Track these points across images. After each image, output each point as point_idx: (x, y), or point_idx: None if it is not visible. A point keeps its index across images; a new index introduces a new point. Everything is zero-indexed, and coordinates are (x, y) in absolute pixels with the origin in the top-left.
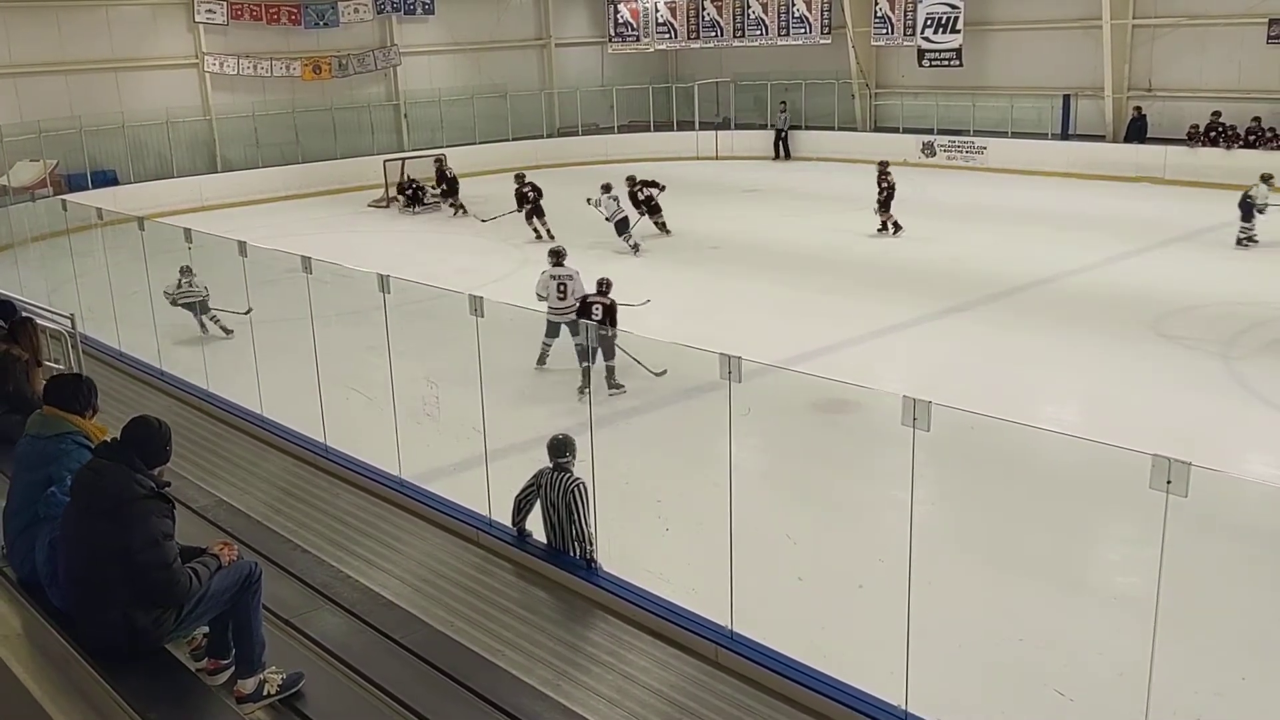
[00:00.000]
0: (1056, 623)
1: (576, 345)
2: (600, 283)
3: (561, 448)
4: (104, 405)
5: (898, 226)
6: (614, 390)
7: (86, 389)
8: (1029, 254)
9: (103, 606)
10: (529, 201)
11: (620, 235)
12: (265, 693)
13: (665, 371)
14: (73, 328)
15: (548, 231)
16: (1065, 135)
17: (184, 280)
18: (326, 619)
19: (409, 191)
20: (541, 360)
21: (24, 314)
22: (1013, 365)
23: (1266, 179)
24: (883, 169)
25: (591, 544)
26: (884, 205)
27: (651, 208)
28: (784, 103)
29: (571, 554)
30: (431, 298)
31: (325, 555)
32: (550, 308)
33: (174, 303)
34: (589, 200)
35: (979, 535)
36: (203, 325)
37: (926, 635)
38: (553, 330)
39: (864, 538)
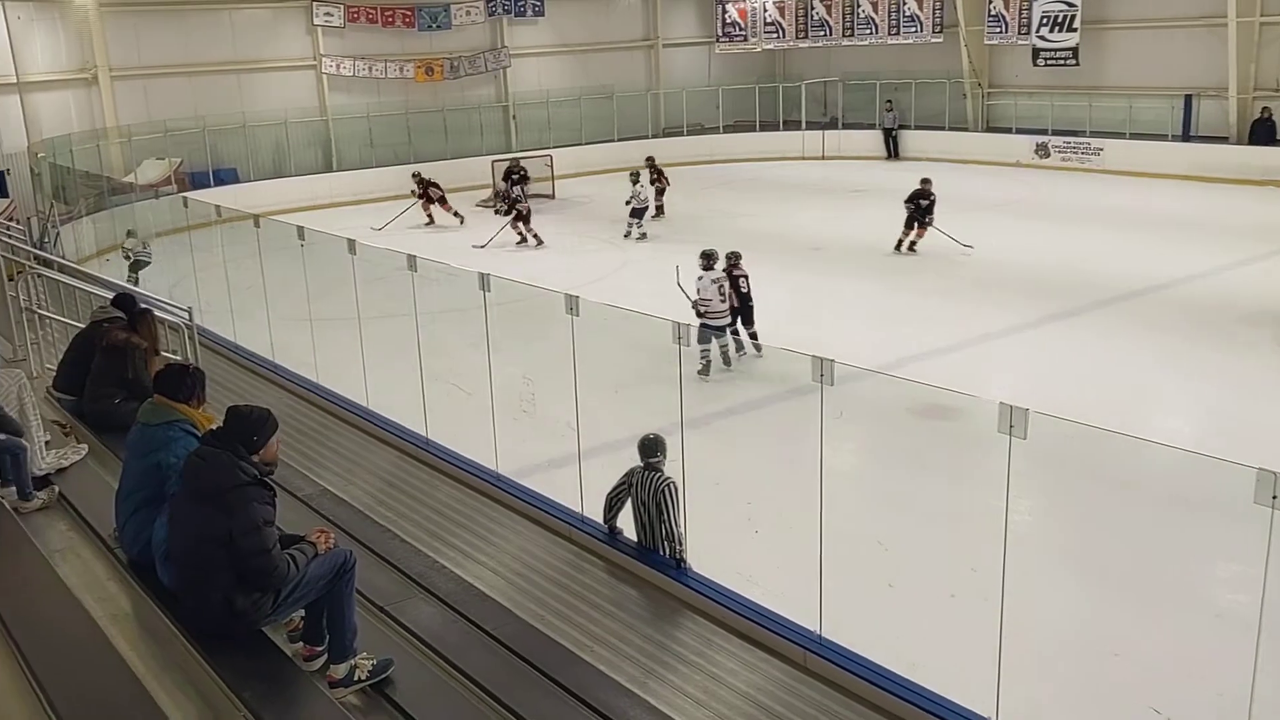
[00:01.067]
0: (1155, 639)
1: (722, 347)
2: (730, 255)
3: (652, 447)
4: (219, 395)
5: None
6: (756, 352)
7: (192, 379)
8: (1145, 258)
9: (205, 588)
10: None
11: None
12: (356, 678)
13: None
14: (190, 320)
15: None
16: (1186, 137)
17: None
18: (420, 608)
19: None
20: (705, 370)
21: (143, 305)
22: (1125, 373)
23: None
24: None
25: (681, 544)
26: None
27: (659, 190)
28: (890, 101)
29: (661, 553)
30: (530, 296)
31: (422, 545)
32: (710, 313)
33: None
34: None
35: (1078, 547)
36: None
37: (1019, 647)
38: (705, 337)
39: (957, 546)
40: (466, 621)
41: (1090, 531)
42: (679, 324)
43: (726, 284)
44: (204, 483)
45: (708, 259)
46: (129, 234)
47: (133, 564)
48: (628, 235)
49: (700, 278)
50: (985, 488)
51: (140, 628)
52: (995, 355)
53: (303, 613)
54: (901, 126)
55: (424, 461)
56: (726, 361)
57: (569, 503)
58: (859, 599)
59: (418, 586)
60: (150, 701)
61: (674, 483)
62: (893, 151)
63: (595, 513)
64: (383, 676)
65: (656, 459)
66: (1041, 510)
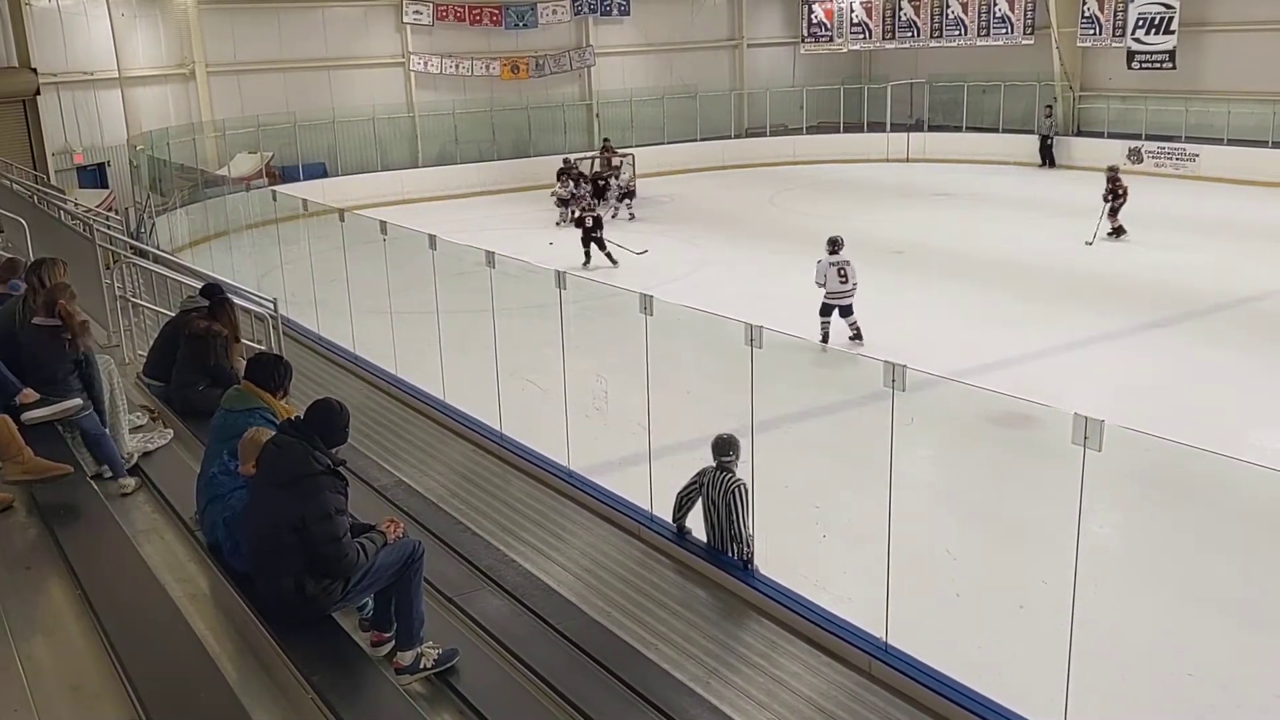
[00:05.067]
0: (1232, 661)
1: (850, 324)
2: (833, 240)
3: (725, 447)
4: (300, 385)
5: (1121, 231)
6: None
7: (282, 370)
8: (1241, 269)
9: (278, 572)
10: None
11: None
12: (422, 666)
13: (646, 251)
14: (275, 311)
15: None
16: None
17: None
18: (488, 600)
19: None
20: (826, 338)
21: (223, 294)
22: (1216, 387)
23: None
24: (1113, 176)
25: (749, 546)
26: (1114, 212)
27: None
28: (1049, 107)
29: (729, 554)
30: (606, 295)
31: (493, 539)
32: (830, 292)
33: None
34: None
35: (1156, 563)
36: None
37: (1089, 662)
38: (827, 310)
39: (1029, 558)
40: (533, 615)
41: (1172, 548)
42: (751, 326)
43: (847, 268)
44: (279, 470)
45: (832, 245)
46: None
47: (212, 547)
48: (615, 215)
49: (819, 262)
50: (1062, 499)
51: (216, 608)
52: (1080, 364)
53: (372, 600)
54: (1057, 133)
55: (497, 455)
56: (825, 338)
57: (639, 501)
58: (926, 607)
59: (486, 579)
60: (223, 680)
61: (745, 484)
62: (1048, 159)
63: (665, 512)
64: (448, 666)
65: (729, 459)
66: (1120, 524)
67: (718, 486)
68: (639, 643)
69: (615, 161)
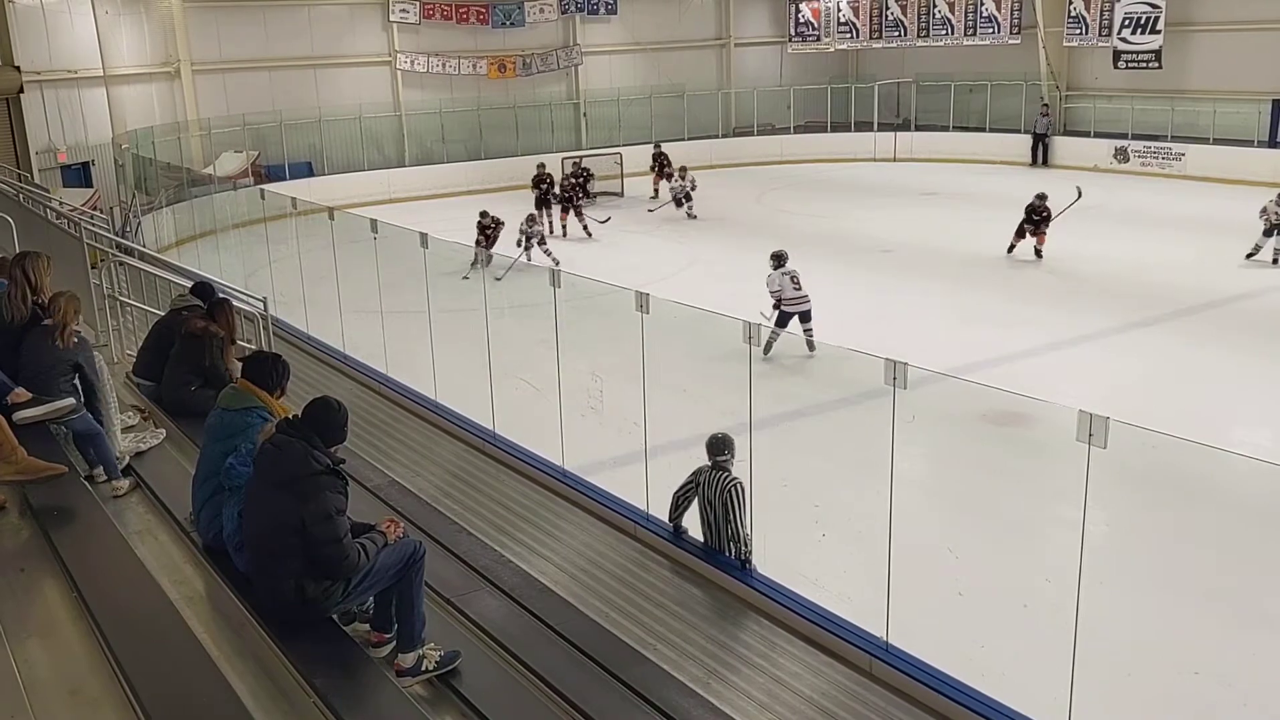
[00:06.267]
0: (1236, 658)
1: (806, 330)
2: (777, 255)
3: (720, 446)
4: (291, 385)
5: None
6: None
7: (281, 369)
8: (1228, 267)
9: (277, 574)
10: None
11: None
12: (423, 668)
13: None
14: (265, 310)
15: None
16: (1273, 143)
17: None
18: (486, 601)
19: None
20: (768, 349)
21: (221, 295)
22: (1204, 384)
23: None
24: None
25: (747, 545)
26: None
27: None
28: (1046, 105)
29: (727, 554)
30: (600, 293)
31: (489, 539)
32: (787, 299)
33: None
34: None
35: (1156, 560)
36: None
37: (1093, 661)
38: (785, 320)
39: (1030, 556)
40: (531, 616)
41: (1172, 545)
42: (749, 323)
43: (799, 276)
44: (278, 470)
45: (777, 259)
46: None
47: (207, 548)
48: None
49: (769, 275)
50: (1060, 497)
51: (214, 610)
52: (1070, 363)
53: (372, 601)
54: (1052, 133)
55: (490, 455)
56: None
57: (635, 500)
58: (927, 606)
59: (483, 579)
60: (224, 682)
61: (741, 483)
62: (1040, 158)
63: (660, 511)
64: (450, 668)
65: (724, 458)
66: (1121, 521)
67: (713, 486)
68: (638, 643)
69: (670, 171)
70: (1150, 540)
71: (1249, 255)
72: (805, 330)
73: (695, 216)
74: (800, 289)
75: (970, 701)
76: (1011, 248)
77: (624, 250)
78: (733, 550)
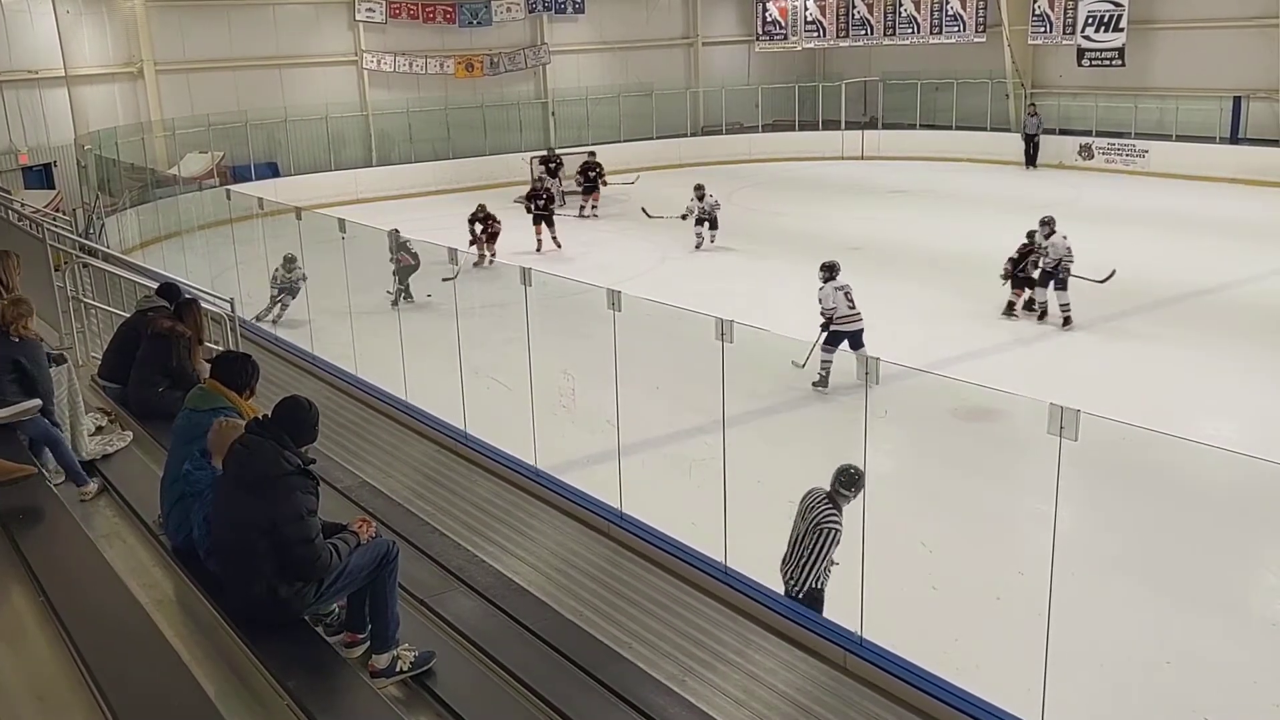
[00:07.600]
0: (1209, 648)
1: (859, 355)
2: (830, 265)
3: (849, 481)
4: (259, 386)
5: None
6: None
7: (250, 368)
8: (1191, 262)
9: (248, 576)
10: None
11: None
12: (398, 669)
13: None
14: (232, 311)
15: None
16: (1235, 139)
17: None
18: (460, 601)
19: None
20: (824, 383)
21: (188, 295)
22: (1169, 378)
23: None
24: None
25: (801, 588)
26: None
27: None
28: (1034, 104)
29: (785, 578)
30: (572, 292)
31: (461, 539)
32: (839, 318)
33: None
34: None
35: (1128, 552)
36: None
37: (1067, 653)
38: (836, 339)
39: (1003, 549)
40: (505, 615)
41: (1143, 537)
42: (722, 320)
43: (851, 291)
44: (248, 471)
45: (829, 270)
46: (287, 261)
47: (176, 550)
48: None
49: (821, 288)
50: (1032, 491)
51: (184, 613)
52: (1038, 359)
53: (344, 604)
54: (1045, 132)
55: (462, 455)
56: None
57: (608, 499)
58: (901, 601)
59: (457, 580)
60: (196, 686)
61: (838, 529)
62: (1031, 159)
63: (634, 509)
64: (425, 668)
65: (845, 494)
66: (1092, 514)
67: (816, 511)
68: (613, 642)
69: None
70: (1121, 532)
71: None
72: (859, 356)
73: (714, 241)
74: (854, 307)
75: (944, 694)
76: (1010, 307)
77: (597, 248)
78: (794, 579)
